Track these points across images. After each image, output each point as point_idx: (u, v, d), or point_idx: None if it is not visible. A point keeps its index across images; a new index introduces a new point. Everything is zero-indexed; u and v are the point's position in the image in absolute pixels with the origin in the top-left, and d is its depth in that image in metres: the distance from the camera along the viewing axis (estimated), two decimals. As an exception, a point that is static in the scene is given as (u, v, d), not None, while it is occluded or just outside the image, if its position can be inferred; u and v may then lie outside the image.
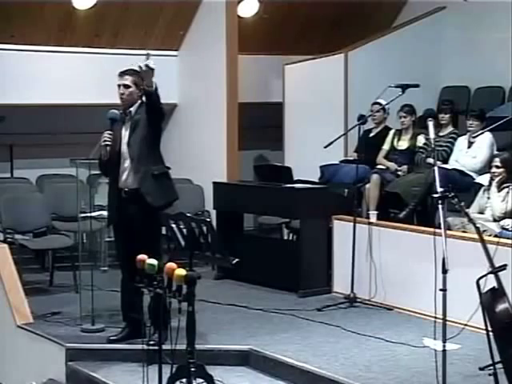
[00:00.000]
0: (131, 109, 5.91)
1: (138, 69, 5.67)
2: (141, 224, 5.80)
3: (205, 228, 4.89)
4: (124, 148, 5.87)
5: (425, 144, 7.97)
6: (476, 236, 4.93)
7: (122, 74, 5.94)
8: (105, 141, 5.78)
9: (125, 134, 5.90)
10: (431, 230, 5.41)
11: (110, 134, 5.80)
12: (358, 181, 7.63)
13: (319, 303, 7.15)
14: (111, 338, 6.06)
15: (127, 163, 5.86)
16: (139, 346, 5.04)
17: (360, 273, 7.26)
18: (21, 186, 9.39)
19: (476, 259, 5.03)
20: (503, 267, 4.73)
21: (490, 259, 4.73)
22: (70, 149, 8.89)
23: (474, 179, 7.58)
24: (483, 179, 7.33)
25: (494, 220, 6.79)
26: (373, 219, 7.43)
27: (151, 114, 5.79)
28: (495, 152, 7.59)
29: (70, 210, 7.57)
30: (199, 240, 4.93)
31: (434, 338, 5.13)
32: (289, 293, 7.58)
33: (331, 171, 8.54)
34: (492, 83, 9.41)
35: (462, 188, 7.11)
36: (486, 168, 7.48)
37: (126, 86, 5.89)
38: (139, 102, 5.93)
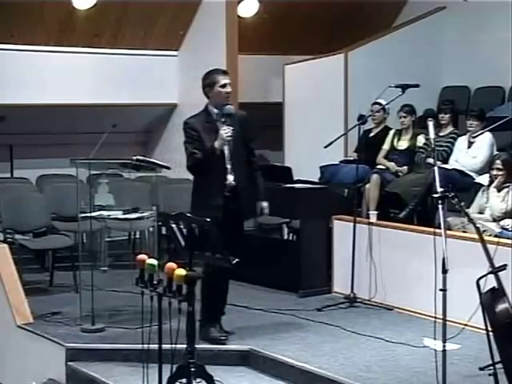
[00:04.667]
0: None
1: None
2: (242, 219, 6.10)
3: (205, 228, 4.89)
4: (227, 147, 5.91)
5: (425, 144, 7.97)
6: (476, 236, 4.93)
7: (225, 72, 6.10)
8: (229, 135, 5.81)
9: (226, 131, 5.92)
10: (431, 229, 5.41)
11: (232, 130, 5.84)
12: (358, 181, 7.62)
13: (319, 303, 7.15)
14: (221, 338, 6.04)
15: (231, 162, 5.92)
16: (139, 346, 5.03)
17: (360, 273, 7.26)
18: (21, 185, 9.38)
19: (476, 259, 5.03)
20: (503, 267, 4.73)
21: (490, 259, 4.73)
22: (70, 149, 8.89)
23: (473, 179, 7.58)
24: (483, 179, 7.33)
25: (494, 220, 6.79)
26: (373, 219, 7.43)
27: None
28: (495, 152, 7.59)
29: (70, 209, 7.57)
30: (199, 240, 4.93)
31: (434, 338, 5.13)
32: (289, 293, 7.58)
33: (331, 171, 8.54)
34: (492, 83, 9.41)
35: (462, 188, 7.11)
36: (485, 168, 7.47)
37: (230, 85, 6.00)
38: None
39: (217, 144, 5.81)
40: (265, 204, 6.27)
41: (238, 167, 5.94)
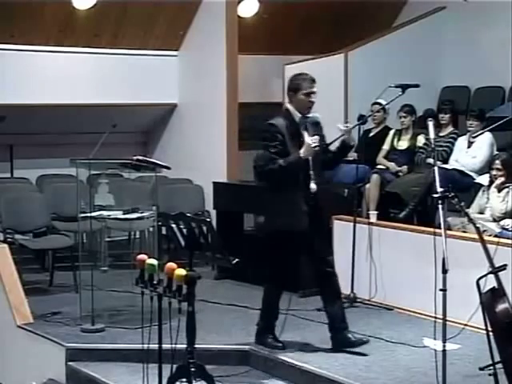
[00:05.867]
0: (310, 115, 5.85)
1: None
2: (326, 226, 6.01)
3: (205, 228, 4.89)
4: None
5: (425, 144, 7.97)
6: (476, 236, 4.93)
7: (312, 80, 5.84)
8: (316, 145, 5.64)
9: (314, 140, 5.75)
10: (431, 229, 5.41)
11: (320, 139, 5.73)
12: (358, 181, 7.62)
13: (319, 303, 7.13)
14: (278, 345, 5.94)
15: (314, 169, 5.75)
16: (139, 346, 5.03)
17: (360, 273, 7.26)
18: (21, 185, 9.39)
19: (476, 259, 5.03)
20: (503, 267, 4.73)
21: (490, 259, 4.73)
22: (70, 149, 8.89)
23: (474, 179, 7.58)
24: (483, 179, 7.33)
25: (494, 220, 6.79)
26: (373, 219, 7.43)
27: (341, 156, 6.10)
28: (495, 152, 7.59)
29: (70, 209, 7.56)
30: (199, 240, 4.93)
31: (434, 338, 5.13)
32: (289, 293, 7.57)
33: (331, 171, 8.53)
34: (492, 83, 9.41)
35: (462, 188, 7.11)
36: (485, 168, 7.47)
37: (315, 93, 5.81)
38: None
39: (302, 153, 5.61)
40: None
41: (318, 174, 5.77)
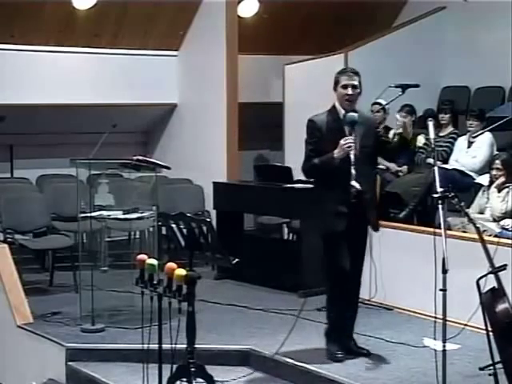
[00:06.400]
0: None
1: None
2: (366, 229, 5.74)
3: (205, 228, 4.89)
4: (354, 152, 5.45)
5: (425, 144, 7.97)
6: (476, 236, 4.93)
7: (350, 73, 5.63)
8: (349, 146, 5.38)
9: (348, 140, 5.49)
10: (431, 229, 5.40)
11: (354, 139, 5.42)
12: (358, 181, 7.61)
13: (319, 303, 7.14)
14: (337, 354, 5.67)
15: (357, 167, 5.42)
16: (139, 346, 5.03)
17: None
18: (21, 185, 9.39)
19: (476, 259, 5.03)
20: (503, 267, 4.73)
21: (490, 259, 4.73)
22: (70, 149, 8.89)
23: (474, 179, 7.58)
24: (483, 179, 7.33)
25: (494, 220, 6.79)
26: (373, 219, 7.42)
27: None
28: (495, 152, 7.59)
29: (70, 209, 7.56)
30: (199, 240, 4.93)
31: (434, 338, 5.14)
32: (289, 293, 7.58)
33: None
34: (492, 83, 9.41)
35: (462, 188, 7.11)
36: (485, 168, 7.47)
37: (355, 87, 5.57)
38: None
39: (336, 153, 5.43)
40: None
41: (363, 173, 5.44)
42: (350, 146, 5.38)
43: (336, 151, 5.43)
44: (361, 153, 5.46)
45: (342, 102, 5.60)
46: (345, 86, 5.57)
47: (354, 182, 5.40)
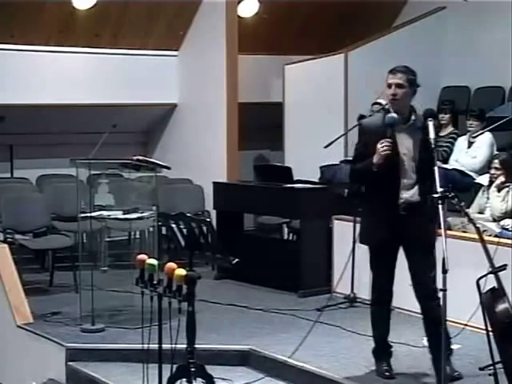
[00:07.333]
0: (412, 117, 5.19)
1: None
2: (423, 238, 5.12)
3: (205, 228, 4.89)
4: (405, 159, 5.07)
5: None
6: (476, 236, 4.93)
7: (395, 71, 5.19)
8: (386, 150, 4.98)
9: (404, 142, 5.10)
10: (431, 230, 5.39)
11: (391, 143, 5.01)
12: (358, 181, 7.61)
13: (319, 303, 7.14)
14: (386, 373, 5.32)
15: (410, 176, 5.07)
16: (139, 346, 5.03)
17: (360, 273, 7.25)
18: (21, 185, 9.39)
19: (476, 259, 5.03)
20: (503, 267, 4.72)
21: (490, 259, 4.72)
22: (70, 149, 8.89)
23: (474, 179, 7.58)
24: (483, 179, 7.33)
25: (494, 220, 6.79)
26: (373, 219, 7.42)
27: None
28: (495, 152, 7.60)
29: (70, 209, 7.56)
30: (199, 240, 4.93)
31: (434, 338, 5.13)
32: (289, 293, 7.58)
33: (331, 171, 8.53)
34: (492, 83, 9.41)
35: (462, 188, 7.10)
36: (485, 168, 7.48)
37: (399, 86, 5.13)
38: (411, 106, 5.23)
39: (374, 158, 5.03)
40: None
41: (417, 181, 5.05)
42: (385, 150, 4.98)
43: (374, 156, 5.05)
44: (417, 161, 5.05)
45: (389, 103, 5.23)
46: (389, 85, 5.16)
47: (403, 192, 5.06)
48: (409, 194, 5.06)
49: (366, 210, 5.38)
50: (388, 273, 5.27)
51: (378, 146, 5.00)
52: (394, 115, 5.12)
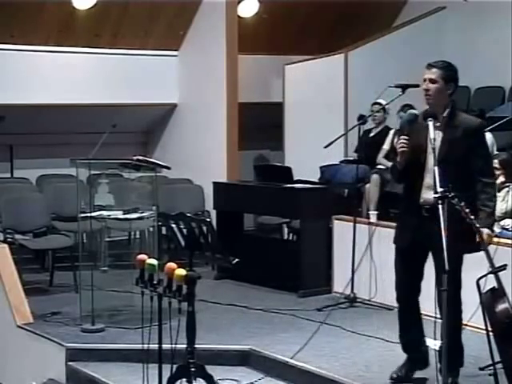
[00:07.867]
0: (444, 114, 4.93)
1: None
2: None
3: (205, 228, 4.89)
4: (431, 159, 4.77)
5: (425, 144, 7.96)
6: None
7: (430, 66, 4.91)
8: (402, 147, 4.81)
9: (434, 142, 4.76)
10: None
11: (406, 140, 4.82)
12: (358, 181, 7.63)
13: (319, 303, 7.15)
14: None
15: (430, 174, 4.78)
16: (139, 346, 5.03)
17: (360, 273, 7.26)
18: (21, 185, 9.39)
19: (476, 259, 5.03)
20: (503, 267, 4.72)
21: (490, 259, 4.72)
22: (70, 149, 8.89)
23: (474, 179, 7.56)
24: (483, 179, 7.31)
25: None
26: (373, 219, 7.43)
27: None
28: (495, 152, 7.59)
29: (70, 209, 7.56)
30: (199, 240, 4.94)
31: (434, 338, 5.13)
32: (289, 293, 7.58)
33: (331, 171, 8.54)
34: (492, 83, 9.41)
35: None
36: (485, 168, 7.45)
37: (432, 81, 4.87)
38: (450, 103, 4.98)
39: (399, 157, 4.90)
40: (486, 231, 4.82)
41: (448, 183, 4.52)
42: (401, 147, 4.81)
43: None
44: (445, 160, 4.71)
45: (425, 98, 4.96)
46: (424, 80, 4.92)
47: (426, 193, 4.86)
48: (429, 195, 4.76)
49: (399, 209, 5.29)
50: (406, 275, 5.05)
51: (395, 141, 4.89)
52: (413, 112, 5.01)
